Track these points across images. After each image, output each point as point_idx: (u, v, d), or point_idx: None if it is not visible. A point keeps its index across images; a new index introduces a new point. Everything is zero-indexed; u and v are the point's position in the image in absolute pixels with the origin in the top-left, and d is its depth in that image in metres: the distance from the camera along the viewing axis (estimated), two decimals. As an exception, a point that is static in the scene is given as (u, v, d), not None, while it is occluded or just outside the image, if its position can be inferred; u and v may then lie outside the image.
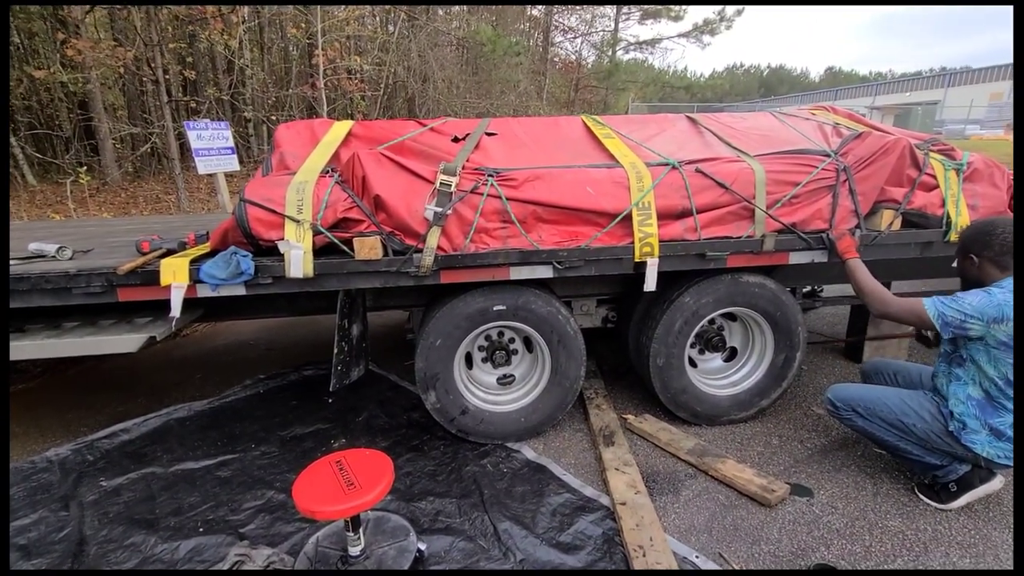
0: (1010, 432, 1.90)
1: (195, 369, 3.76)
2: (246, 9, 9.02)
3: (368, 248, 2.16)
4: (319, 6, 8.41)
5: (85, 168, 7.72)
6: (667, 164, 2.43)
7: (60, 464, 2.59)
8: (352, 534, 1.81)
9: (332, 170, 2.31)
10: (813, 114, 3.31)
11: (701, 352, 2.90)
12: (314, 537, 1.96)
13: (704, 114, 3.29)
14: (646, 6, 23.00)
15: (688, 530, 2.06)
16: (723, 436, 2.71)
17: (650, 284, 2.34)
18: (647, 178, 2.35)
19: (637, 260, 2.33)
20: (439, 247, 2.22)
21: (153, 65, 7.81)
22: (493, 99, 13.52)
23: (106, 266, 2.15)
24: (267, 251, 2.19)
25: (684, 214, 2.37)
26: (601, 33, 23.89)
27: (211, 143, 6.55)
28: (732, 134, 2.93)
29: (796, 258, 2.48)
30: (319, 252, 2.20)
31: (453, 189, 2.21)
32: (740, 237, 2.40)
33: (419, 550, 1.91)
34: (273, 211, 2.12)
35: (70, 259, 2.39)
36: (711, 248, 2.36)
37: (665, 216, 2.35)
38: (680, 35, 24.81)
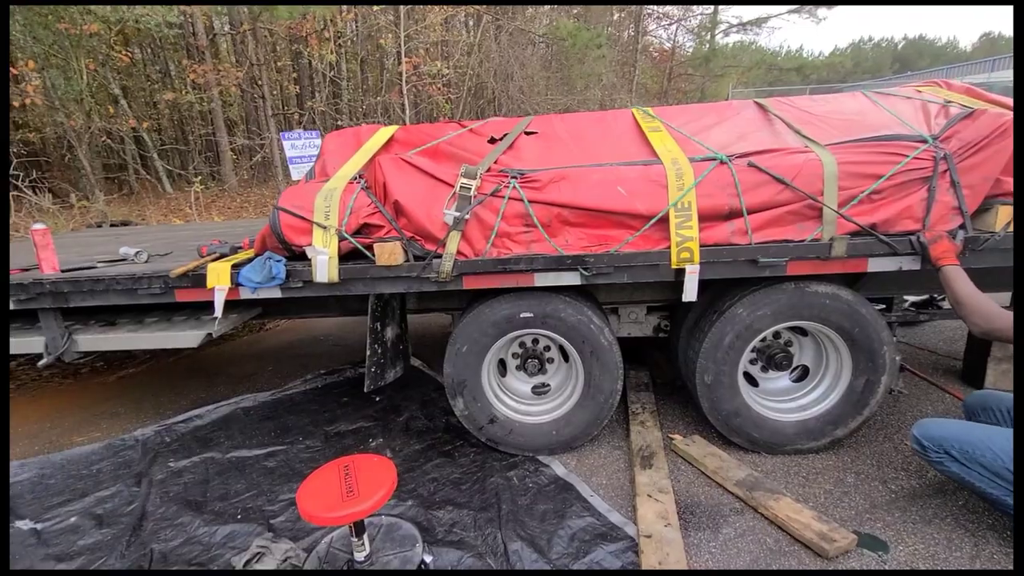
0: None
1: (268, 361, 4.08)
2: (340, 25, 9.68)
3: (388, 254, 2.16)
4: (402, 16, 8.77)
5: (200, 178, 8.72)
6: (714, 159, 2.15)
7: (143, 444, 2.92)
8: (356, 539, 1.81)
9: (360, 176, 2.34)
10: (919, 91, 2.78)
11: (764, 370, 2.56)
12: (328, 537, 1.99)
13: (777, 98, 2.90)
14: (750, -17, 21.31)
15: None
16: (785, 468, 2.36)
17: (689, 294, 2.10)
18: (688, 175, 2.10)
19: (675, 267, 2.09)
20: (460, 252, 2.16)
21: (260, 83, 8.64)
22: (576, 94, 13.27)
23: (165, 270, 2.37)
24: (301, 256, 2.28)
25: (733, 215, 2.09)
26: (699, 17, 22.51)
27: (303, 151, 7.10)
28: (807, 120, 2.54)
29: (877, 265, 2.09)
30: (346, 257, 2.25)
31: (473, 192, 2.13)
32: (803, 241, 2.07)
33: (424, 562, 1.87)
34: (303, 217, 2.20)
35: (145, 262, 2.68)
36: (764, 254, 2.06)
37: (709, 217, 2.09)
38: (790, 11, 22.70)
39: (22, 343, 2.65)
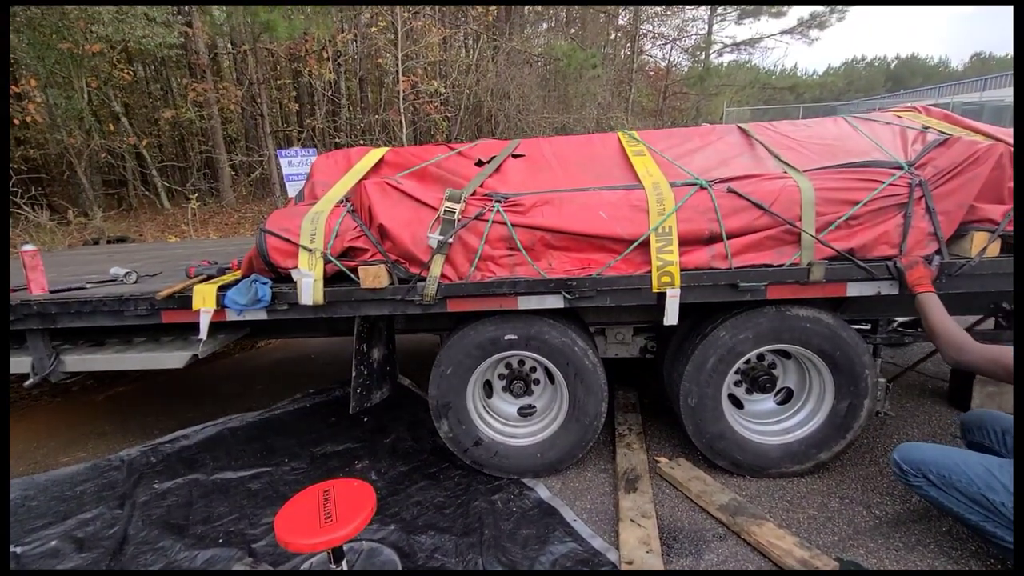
0: None
1: (259, 380, 4.07)
2: (339, 45, 9.84)
3: (372, 276, 2.18)
4: (400, 37, 8.92)
5: (196, 195, 8.80)
6: (694, 184, 2.19)
7: (128, 464, 2.90)
8: (334, 565, 1.80)
9: (346, 200, 2.37)
10: (898, 116, 2.83)
11: (749, 392, 2.57)
12: (308, 563, 1.99)
13: (760, 123, 2.95)
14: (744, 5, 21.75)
15: (702, 603, 1.80)
16: (770, 492, 2.36)
17: (671, 318, 2.11)
18: (669, 200, 2.13)
19: (656, 291, 2.11)
20: (443, 275, 2.18)
21: (259, 100, 8.76)
22: (572, 113, 13.44)
23: (153, 291, 2.38)
24: (287, 278, 2.30)
25: (713, 239, 2.12)
26: (694, 37, 22.92)
27: (300, 168, 7.16)
28: (787, 145, 2.59)
29: (856, 290, 2.11)
30: (332, 280, 2.27)
31: (457, 216, 2.16)
32: (782, 265, 2.09)
33: (403, 589, 1.86)
34: (289, 240, 2.22)
35: (135, 282, 2.69)
36: (744, 278, 2.08)
37: (690, 242, 2.12)
38: (783, 32, 23.14)
39: (9, 363, 2.65)
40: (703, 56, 22.49)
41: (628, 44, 20.15)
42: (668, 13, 21.72)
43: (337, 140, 10.91)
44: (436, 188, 2.38)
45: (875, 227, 2.06)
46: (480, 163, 2.72)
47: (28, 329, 2.54)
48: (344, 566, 1.82)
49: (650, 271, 2.11)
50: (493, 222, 2.16)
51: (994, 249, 2.00)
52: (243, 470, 2.79)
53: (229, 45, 11.12)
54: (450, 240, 2.14)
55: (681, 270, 2.10)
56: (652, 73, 23.03)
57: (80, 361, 2.67)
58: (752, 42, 23.37)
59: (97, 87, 8.90)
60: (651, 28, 21.84)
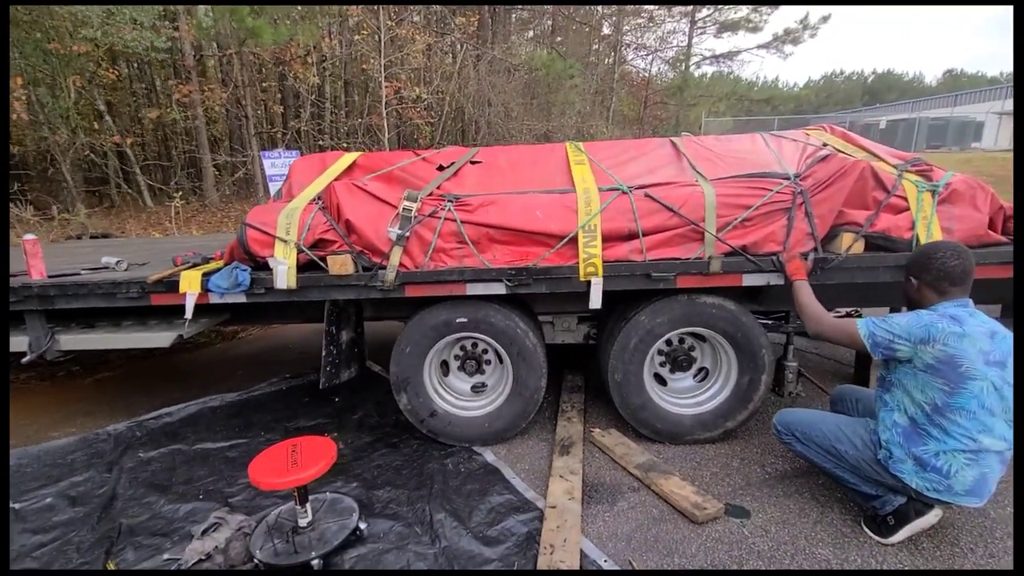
0: (935, 462, 1.82)
1: (239, 366, 4.35)
2: (325, 50, 10.13)
3: (339, 264, 2.51)
4: (382, 44, 9.25)
5: (180, 193, 8.99)
6: (617, 189, 2.56)
7: (116, 437, 3.17)
8: (300, 507, 2.12)
9: (318, 198, 2.70)
10: (807, 135, 3.26)
11: (672, 371, 2.94)
12: (277, 510, 2.30)
13: (689, 138, 3.35)
14: (722, 19, 22.48)
15: (609, 537, 2.15)
16: (683, 455, 2.73)
17: (594, 302, 2.48)
18: (595, 202, 2.51)
19: (582, 279, 2.48)
20: (401, 264, 2.52)
21: (244, 103, 9.00)
22: (552, 121, 13.88)
23: (143, 277, 2.68)
24: (264, 267, 2.62)
25: (631, 236, 2.49)
26: (675, 49, 23.61)
27: (282, 169, 7.42)
28: (706, 157, 2.99)
29: (750, 280, 2.50)
30: (304, 268, 2.59)
31: (414, 213, 2.51)
32: (688, 259, 2.47)
33: (359, 528, 2.19)
34: (267, 232, 2.54)
35: (125, 270, 2.98)
36: (656, 269, 2.46)
37: (612, 238, 2.49)
38: (759, 46, 23.93)
39: (9, 343, 2.92)
40: (683, 67, 23.20)
41: (612, 54, 20.71)
42: (650, 24, 22.43)
43: (321, 143, 11.18)
44: (399, 189, 2.72)
45: (765, 227, 2.46)
46: (441, 168, 3.07)
47: (27, 310, 2.81)
48: (308, 509, 2.14)
49: (577, 262, 2.48)
50: (445, 219, 2.51)
51: (859, 247, 2.41)
52: (222, 441, 3.08)
53: (215, 47, 11.33)
54: (407, 234, 2.49)
55: (604, 262, 2.47)
56: (634, 83, 23.69)
57: (73, 340, 2.95)
58: (730, 55, 24.18)
59: (82, 86, 9.06)
60: (633, 39, 22.52)
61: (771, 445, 2.78)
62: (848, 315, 3.80)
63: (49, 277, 2.82)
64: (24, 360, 2.87)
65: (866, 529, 2.09)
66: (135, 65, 12.22)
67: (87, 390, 4.00)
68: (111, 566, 2.13)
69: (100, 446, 3.09)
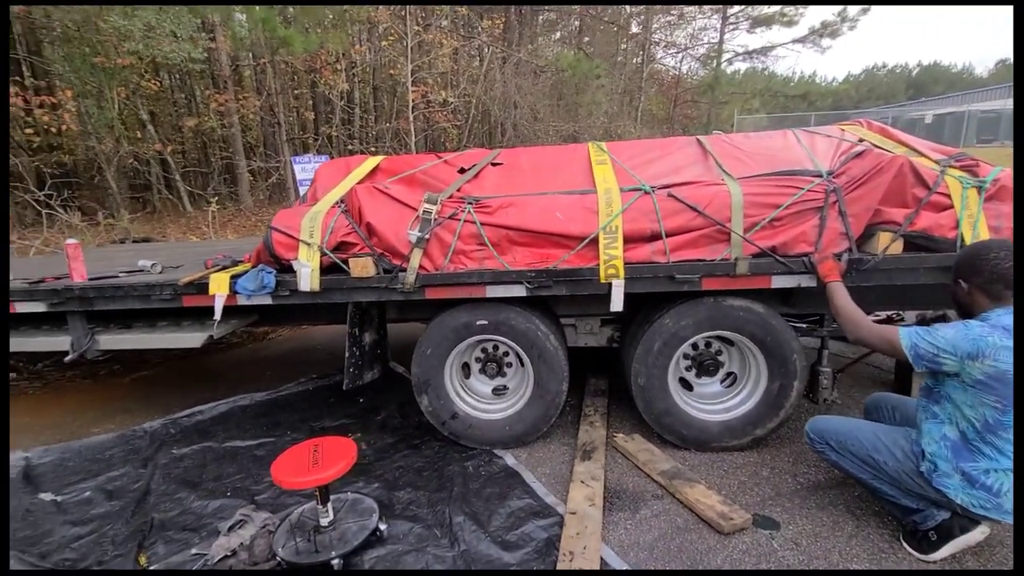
0: (984, 479, 1.71)
1: (268, 367, 4.46)
2: (353, 56, 10.34)
3: (361, 267, 2.54)
4: (409, 49, 9.38)
5: (217, 198, 9.32)
6: (640, 189, 2.51)
7: (151, 434, 3.29)
8: (321, 507, 2.15)
9: (341, 202, 2.74)
10: (843, 130, 3.12)
11: (698, 375, 2.86)
12: (300, 508, 2.33)
13: (719, 135, 3.26)
14: (756, 13, 21.92)
15: (631, 545, 2.10)
16: (710, 462, 2.65)
17: (615, 304, 2.43)
18: (616, 203, 2.46)
19: (603, 281, 2.43)
20: (421, 267, 2.53)
21: (276, 110, 9.26)
22: (579, 122, 13.79)
23: (175, 279, 2.77)
24: (289, 269, 2.67)
25: (654, 237, 2.43)
26: (706, 46, 23.14)
27: (312, 174, 7.59)
28: (734, 155, 2.89)
29: (779, 282, 2.40)
30: (327, 270, 2.63)
31: (434, 216, 2.51)
32: (713, 260, 2.40)
33: (379, 529, 2.20)
34: (291, 236, 2.59)
35: (160, 272, 3.09)
36: (679, 270, 2.39)
37: (634, 239, 2.44)
38: (794, 41, 23.24)
39: (51, 342, 3.06)
40: (715, 64, 22.72)
41: (640, 53, 20.44)
42: (680, 22, 22.06)
43: (350, 147, 11.40)
44: (420, 192, 2.73)
45: (795, 227, 2.36)
46: (463, 170, 3.07)
47: (69, 311, 2.94)
48: (329, 508, 2.16)
49: (598, 264, 2.43)
50: (465, 221, 2.51)
51: (897, 247, 2.29)
52: (250, 440, 3.16)
53: (250, 57, 11.71)
54: (427, 236, 2.49)
55: (625, 263, 2.41)
56: (664, 82, 23.33)
57: (112, 340, 3.07)
58: (764, 50, 23.56)
59: (126, 97, 9.50)
60: (663, 37, 22.18)
61: (803, 454, 2.66)
62: (889, 319, 3.63)
63: (89, 280, 2.95)
64: (66, 359, 3.01)
65: (906, 545, 1.98)
66: (176, 76, 12.75)
67: (126, 388, 4.17)
68: (142, 559, 2.20)
69: (136, 442, 3.21)
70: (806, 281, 2.37)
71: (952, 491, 1.77)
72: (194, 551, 2.21)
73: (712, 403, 2.80)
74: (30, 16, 8.49)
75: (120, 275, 3.04)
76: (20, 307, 2.97)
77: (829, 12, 21.68)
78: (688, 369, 2.86)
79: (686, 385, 2.86)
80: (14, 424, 3.56)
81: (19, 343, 3.16)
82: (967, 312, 1.86)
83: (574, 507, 2.27)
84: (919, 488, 1.85)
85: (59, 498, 2.67)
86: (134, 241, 7.00)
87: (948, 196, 2.29)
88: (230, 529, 2.28)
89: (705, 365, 2.77)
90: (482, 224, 2.50)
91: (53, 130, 8.42)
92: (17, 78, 9.10)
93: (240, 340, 5.19)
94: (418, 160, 3.32)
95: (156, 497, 2.63)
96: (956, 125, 24.83)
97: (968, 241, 2.22)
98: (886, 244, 2.28)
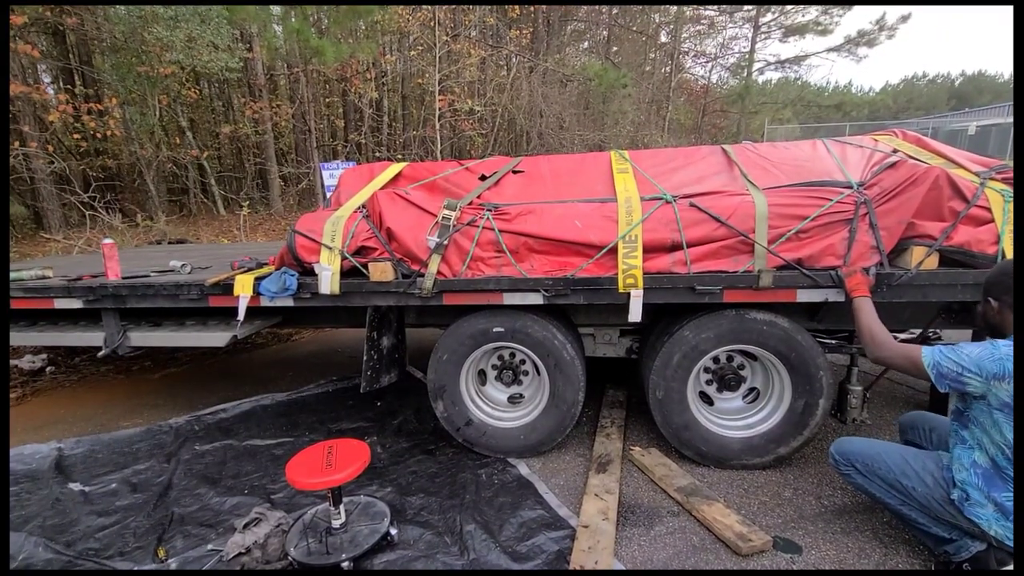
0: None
1: (290, 368, 4.54)
2: (383, 66, 10.56)
3: (380, 271, 2.56)
4: (437, 59, 9.53)
5: (248, 202, 9.61)
6: (660, 198, 2.47)
7: (176, 430, 3.38)
8: (334, 509, 2.16)
9: (363, 207, 2.78)
10: (875, 140, 3.02)
11: (719, 390, 2.78)
12: (313, 509, 2.35)
13: (745, 145, 3.19)
14: (789, 22, 21.55)
15: (643, 563, 2.04)
16: (729, 480, 2.57)
17: (634, 315, 2.39)
18: (637, 212, 2.43)
19: (621, 291, 2.40)
20: (439, 272, 2.54)
21: (308, 117, 9.51)
22: (606, 131, 13.75)
23: (203, 280, 2.85)
24: (311, 272, 2.71)
25: (674, 247, 2.39)
26: (736, 55, 22.84)
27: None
28: (760, 165, 2.83)
29: (805, 296, 2.33)
30: (347, 274, 2.67)
31: (453, 222, 2.52)
32: (736, 272, 2.34)
33: (390, 534, 2.20)
34: (313, 239, 2.64)
35: (189, 273, 3.19)
36: (700, 282, 2.34)
37: (654, 249, 2.40)
38: (829, 50, 22.74)
39: (86, 337, 3.19)
40: (745, 74, 22.37)
41: (669, 62, 20.30)
42: (710, 31, 21.84)
43: (378, 154, 11.62)
44: (440, 198, 2.75)
45: (823, 240, 2.28)
46: (483, 177, 3.09)
47: (104, 308, 3.06)
48: (342, 511, 2.18)
49: (617, 273, 2.40)
50: (483, 228, 2.51)
51: (932, 262, 2.19)
52: (270, 439, 3.21)
53: (285, 66, 12.09)
54: (446, 242, 2.51)
55: (645, 273, 2.38)
56: (693, 91, 23.07)
57: (142, 337, 3.17)
58: (797, 60, 23.09)
59: (167, 104, 9.91)
60: (692, 46, 21.98)
61: (829, 476, 2.56)
62: (925, 336, 3.47)
63: (123, 278, 3.06)
64: (99, 354, 3.12)
65: (937, 577, 1.87)
66: (215, 85, 13.24)
67: (156, 384, 4.30)
68: (161, 552, 2.25)
69: (162, 437, 3.30)
70: (834, 295, 2.29)
71: (985, 522, 1.67)
72: (210, 547, 2.25)
73: (733, 419, 2.72)
74: (83, 27, 8.96)
75: (151, 275, 3.15)
76: (59, 303, 3.10)
77: (866, 20, 21.14)
78: (709, 383, 2.78)
79: (706, 399, 2.79)
80: (52, 415, 3.72)
81: (57, 337, 3.30)
82: (997, 332, 1.77)
83: (587, 520, 2.22)
84: (951, 517, 1.76)
85: (87, 488, 2.76)
86: (170, 242, 7.26)
87: (989, 210, 2.18)
88: (245, 527, 2.31)
89: (726, 379, 2.69)
90: (500, 231, 2.50)
91: (99, 136, 8.83)
92: (68, 87, 9.60)
93: (265, 341, 5.31)
94: (440, 167, 3.35)
95: (177, 492, 2.69)
96: (1002, 137, 23.74)
97: (1010, 257, 2.11)
98: (920, 259, 2.18)
